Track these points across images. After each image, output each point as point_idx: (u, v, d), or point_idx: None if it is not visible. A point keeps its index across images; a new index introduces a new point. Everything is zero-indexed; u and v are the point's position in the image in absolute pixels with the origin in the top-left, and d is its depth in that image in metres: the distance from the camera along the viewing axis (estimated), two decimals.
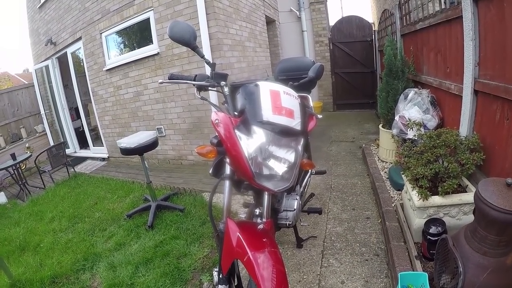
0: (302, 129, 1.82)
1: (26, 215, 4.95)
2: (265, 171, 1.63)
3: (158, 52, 5.69)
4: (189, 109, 5.65)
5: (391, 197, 3.58)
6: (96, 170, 7.08)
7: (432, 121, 3.57)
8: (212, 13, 5.04)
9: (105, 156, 7.68)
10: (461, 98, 2.94)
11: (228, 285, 1.63)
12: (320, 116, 2.57)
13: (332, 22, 9.94)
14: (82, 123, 8.39)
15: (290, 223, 2.20)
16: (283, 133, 1.71)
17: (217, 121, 1.54)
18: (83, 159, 8.27)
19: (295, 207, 2.24)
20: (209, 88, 1.94)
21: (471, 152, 2.60)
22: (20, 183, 6.32)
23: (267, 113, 1.67)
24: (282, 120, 1.70)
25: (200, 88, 1.95)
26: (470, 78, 2.73)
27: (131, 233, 3.72)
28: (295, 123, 1.76)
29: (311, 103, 2.76)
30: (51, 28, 7.91)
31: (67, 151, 7.81)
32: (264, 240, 1.54)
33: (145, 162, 4.04)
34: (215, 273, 1.74)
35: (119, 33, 6.46)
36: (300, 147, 1.77)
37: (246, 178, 1.60)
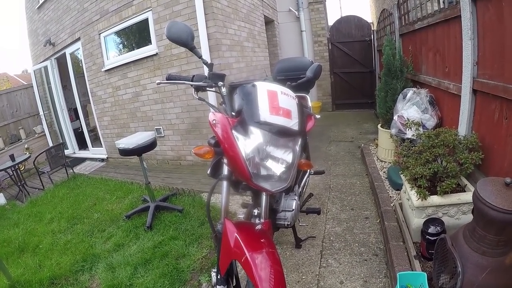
0: (300, 129, 1.82)
1: (25, 216, 4.93)
2: (263, 172, 1.63)
3: (157, 53, 5.68)
4: (187, 109, 5.64)
5: (390, 197, 3.57)
6: (95, 171, 7.07)
7: (430, 121, 3.57)
8: (211, 13, 5.04)
9: (104, 157, 7.67)
10: (460, 97, 2.94)
11: (226, 286, 1.64)
12: (318, 116, 2.58)
13: (331, 22, 9.95)
14: (81, 124, 8.39)
15: (289, 223, 2.20)
16: (280, 134, 1.71)
17: (214, 121, 1.54)
18: (82, 160, 8.26)
19: (294, 208, 2.24)
20: (207, 88, 1.93)
21: (470, 152, 2.60)
22: (19, 184, 6.30)
23: (265, 113, 1.66)
24: (279, 121, 1.69)
25: (198, 89, 1.95)
26: (469, 78, 2.73)
27: (130, 234, 3.71)
28: (293, 123, 1.75)
29: (310, 103, 2.76)
30: (50, 29, 7.91)
31: (66, 152, 7.80)
32: (262, 240, 1.54)
33: (144, 163, 4.04)
34: (213, 274, 1.74)
35: (117, 33, 6.45)
36: (297, 148, 1.77)
37: (243, 179, 1.60)
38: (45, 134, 9.24)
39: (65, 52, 7.75)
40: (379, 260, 2.71)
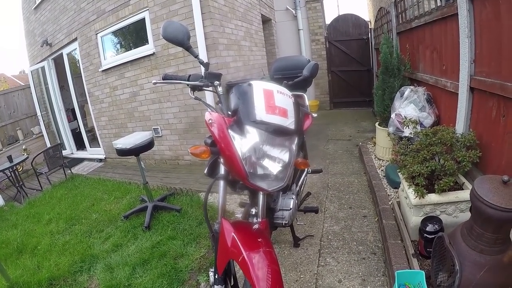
0: (296, 128, 1.81)
1: (24, 218, 4.92)
2: (259, 171, 1.63)
3: (154, 52, 5.66)
4: (185, 109, 5.63)
5: (388, 195, 3.57)
6: (93, 171, 7.06)
7: (428, 119, 3.57)
8: (208, 13, 5.02)
9: (102, 157, 7.66)
10: (457, 95, 2.94)
11: (224, 286, 1.63)
12: (315, 115, 2.57)
13: (328, 21, 9.94)
14: (78, 124, 8.37)
15: (287, 222, 2.20)
16: (276, 133, 1.70)
17: (210, 121, 1.54)
18: (80, 160, 8.24)
19: (291, 206, 2.24)
20: (203, 88, 1.93)
21: (467, 150, 2.61)
22: (17, 185, 6.29)
23: (261, 112, 1.66)
24: (275, 120, 1.69)
25: (194, 88, 1.94)
26: (466, 76, 2.73)
27: (128, 234, 3.70)
28: (289, 122, 1.75)
29: (307, 102, 2.76)
30: (47, 29, 7.88)
31: (64, 152, 7.78)
32: (259, 240, 1.54)
33: (142, 163, 4.03)
34: (211, 274, 1.73)
35: (114, 33, 6.44)
36: (294, 146, 1.76)
37: (240, 178, 1.59)
38: (42, 135, 9.21)
39: (62, 52, 7.73)
40: (377, 258, 2.71)
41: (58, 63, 8.18)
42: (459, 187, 2.64)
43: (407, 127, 3.46)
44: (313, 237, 3.14)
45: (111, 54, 6.68)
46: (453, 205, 2.53)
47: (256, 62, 7.22)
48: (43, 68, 8.30)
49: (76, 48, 7.27)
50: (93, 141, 8.17)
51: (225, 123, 1.56)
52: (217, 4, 5.32)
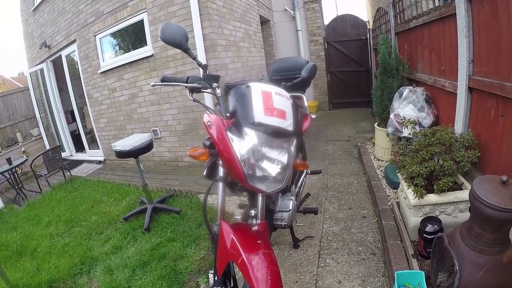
0: (295, 129, 1.81)
1: (23, 220, 4.92)
2: (258, 173, 1.62)
3: (153, 54, 5.67)
4: (184, 110, 5.63)
5: (387, 195, 3.57)
6: (92, 173, 7.05)
7: (427, 119, 3.58)
8: (206, 14, 5.03)
9: (101, 159, 7.66)
10: (456, 95, 2.94)
11: (223, 287, 1.63)
12: (314, 116, 2.57)
13: (326, 21, 9.95)
14: (77, 126, 8.38)
15: (286, 223, 2.20)
16: (275, 134, 1.70)
17: (209, 123, 1.54)
18: (79, 162, 8.24)
19: (290, 208, 2.24)
20: (202, 90, 1.93)
21: (466, 150, 2.61)
22: (17, 187, 6.27)
23: (259, 114, 1.66)
24: (274, 121, 1.69)
25: (193, 90, 1.95)
26: (465, 76, 2.74)
27: (127, 236, 3.70)
28: (287, 124, 1.75)
29: (306, 103, 2.76)
30: (45, 31, 7.89)
31: (63, 154, 7.79)
32: (258, 241, 1.54)
33: (141, 165, 4.03)
34: (210, 275, 1.74)
35: (113, 35, 6.44)
36: (292, 148, 1.76)
37: (238, 180, 1.59)
38: (42, 137, 9.21)
39: (61, 54, 7.74)
40: (377, 259, 2.71)
41: (57, 65, 8.19)
42: (458, 187, 2.65)
43: (406, 128, 3.46)
44: (312, 238, 3.14)
45: (109, 56, 6.68)
46: (452, 205, 2.54)
47: (254, 63, 7.22)
48: (42, 70, 8.30)
49: (74, 50, 7.27)
50: (92, 143, 8.17)
51: (224, 125, 1.56)
52: (216, 5, 5.33)
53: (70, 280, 3.12)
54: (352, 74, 9.51)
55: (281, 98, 1.80)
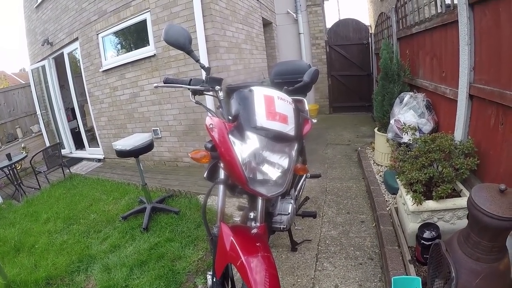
0: (296, 134, 1.82)
1: (21, 216, 4.92)
2: (259, 176, 1.63)
3: (155, 54, 5.68)
4: (185, 111, 5.64)
5: (386, 201, 3.59)
6: (91, 171, 7.06)
7: (427, 125, 3.59)
8: (209, 15, 5.04)
9: (101, 157, 7.67)
10: (456, 102, 2.95)
11: None
12: (315, 121, 2.58)
13: (329, 25, 9.98)
14: (78, 124, 8.39)
15: (284, 227, 2.21)
16: (276, 139, 1.71)
17: (211, 125, 1.55)
18: (79, 160, 8.24)
19: (289, 211, 2.25)
20: (204, 92, 1.94)
21: (466, 157, 2.62)
22: (16, 183, 6.28)
23: (261, 118, 1.67)
24: (275, 126, 1.69)
25: (195, 92, 1.96)
26: (465, 83, 2.75)
27: (126, 235, 3.70)
28: (289, 128, 1.76)
29: (307, 107, 2.77)
30: (48, 28, 7.90)
31: (63, 151, 7.79)
32: (257, 244, 1.55)
33: (141, 164, 4.03)
34: (209, 277, 1.74)
35: (115, 34, 6.46)
36: (293, 153, 1.77)
37: (239, 183, 1.60)
38: (42, 134, 9.24)
39: (63, 51, 7.75)
40: (374, 264, 2.72)
41: (59, 62, 8.20)
42: (456, 194, 2.66)
43: (406, 133, 3.47)
44: (310, 241, 3.15)
45: (111, 55, 6.70)
46: (451, 212, 2.55)
47: (256, 65, 7.23)
48: (43, 67, 8.32)
49: (77, 48, 7.29)
50: (92, 141, 8.18)
51: (226, 128, 1.57)
52: (219, 7, 5.34)
53: (68, 278, 3.11)
54: (354, 78, 9.53)
55: (283, 103, 1.80)
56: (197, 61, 1.93)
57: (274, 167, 1.67)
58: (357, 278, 2.57)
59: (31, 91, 9.07)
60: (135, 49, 6.19)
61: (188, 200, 4.40)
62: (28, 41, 9.01)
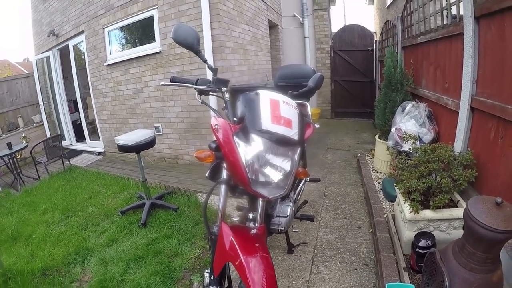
0: (299, 139, 1.85)
1: (19, 205, 4.94)
2: (261, 178, 1.66)
3: (160, 51, 5.70)
4: (188, 109, 5.67)
5: (383, 208, 3.61)
6: (91, 164, 7.07)
7: (428, 135, 3.61)
8: (216, 15, 5.06)
9: (101, 150, 7.68)
10: (458, 114, 2.98)
11: (219, 287, 1.66)
12: (317, 126, 2.61)
13: (334, 30, 10.01)
14: (79, 116, 8.40)
15: (282, 229, 2.24)
16: (280, 142, 1.74)
17: (216, 126, 1.57)
18: (79, 152, 8.25)
19: (288, 214, 2.27)
20: (210, 93, 1.96)
21: (464, 168, 2.65)
22: (15, 172, 6.29)
23: (266, 122, 1.70)
24: (280, 130, 1.72)
25: (201, 92, 1.98)
26: (468, 95, 2.77)
27: (123, 230, 3.72)
28: (293, 133, 1.79)
29: (309, 111, 2.79)
30: (54, 20, 7.92)
31: (63, 143, 7.78)
32: (256, 245, 1.57)
33: (142, 160, 4.05)
34: (206, 274, 1.77)
35: (122, 29, 6.48)
36: (296, 157, 1.80)
37: (242, 184, 1.63)
38: (43, 124, 9.23)
39: (68, 43, 7.77)
40: (369, 270, 2.75)
41: (64, 54, 8.21)
42: (454, 204, 2.68)
43: (407, 142, 3.50)
44: (307, 244, 3.17)
45: (117, 49, 6.72)
46: (447, 222, 2.57)
47: (260, 67, 7.25)
48: (48, 58, 8.33)
49: (82, 41, 7.30)
50: (93, 134, 8.19)
51: (231, 129, 1.59)
52: (226, 7, 5.36)
53: (64, 269, 3.13)
54: (356, 84, 9.56)
55: (288, 107, 1.83)
56: (205, 61, 1.95)
57: (277, 169, 1.70)
58: (351, 283, 2.60)
59: (35, 81, 9.08)
60: (140, 45, 6.21)
61: (187, 198, 4.42)
62: (34, 31, 9.02)
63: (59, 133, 8.19)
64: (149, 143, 3.87)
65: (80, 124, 8.42)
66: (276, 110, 1.75)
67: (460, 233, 1.97)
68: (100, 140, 7.72)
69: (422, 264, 2.19)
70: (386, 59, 4.83)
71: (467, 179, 2.57)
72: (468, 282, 1.70)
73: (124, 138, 3.79)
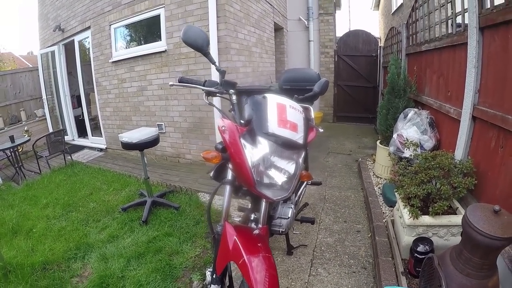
0: (304, 142, 1.89)
1: (20, 199, 4.95)
2: (266, 180, 1.69)
3: (166, 50, 5.73)
4: (191, 108, 5.69)
5: (383, 212, 3.64)
6: (93, 160, 7.10)
7: (429, 142, 3.64)
8: (223, 16, 5.09)
9: (103, 147, 7.71)
10: (459, 122, 3.01)
11: (220, 285, 1.69)
12: (321, 130, 2.63)
13: (338, 34, 10.03)
14: (82, 112, 8.43)
15: (283, 230, 2.26)
16: (286, 146, 1.77)
17: (223, 127, 1.59)
18: (81, 147, 8.28)
19: (289, 215, 2.29)
20: (218, 94, 1.99)
21: (464, 176, 2.68)
22: (16, 166, 6.30)
23: (273, 125, 1.73)
24: (286, 133, 1.76)
25: (209, 94, 2.01)
26: (470, 104, 2.80)
27: (124, 227, 3.74)
28: (298, 136, 1.82)
29: (313, 115, 2.82)
30: (61, 15, 7.94)
31: (65, 138, 7.80)
32: (259, 245, 1.61)
33: (145, 158, 4.07)
34: (208, 273, 1.80)
35: (128, 26, 6.51)
36: (301, 160, 1.83)
37: (247, 185, 1.65)
38: (45, 118, 9.26)
39: (73, 39, 7.79)
40: (367, 273, 2.78)
41: (69, 49, 8.24)
42: (452, 211, 2.71)
43: (408, 149, 3.53)
44: (306, 246, 3.20)
45: (122, 47, 6.74)
46: (445, 229, 2.60)
47: (265, 69, 7.28)
48: (53, 52, 8.37)
49: (88, 37, 7.32)
50: (95, 130, 8.22)
51: (238, 131, 1.61)
52: (233, 9, 5.40)
53: (64, 264, 3.14)
54: (359, 89, 9.59)
55: (295, 112, 1.87)
56: (213, 63, 1.98)
57: (281, 172, 1.73)
58: (349, 286, 2.63)
59: (38, 75, 9.12)
60: (146, 43, 6.23)
61: (189, 197, 4.43)
62: (40, 25, 9.05)
63: (61, 128, 8.22)
64: (153, 142, 3.89)
65: (83, 120, 8.44)
66: (283, 114, 1.78)
67: (457, 239, 2.00)
68: (102, 137, 7.74)
69: (420, 269, 2.22)
70: (390, 65, 4.86)
71: (466, 187, 2.60)
72: (465, 287, 1.73)
73: (128, 135, 3.81)
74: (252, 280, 1.40)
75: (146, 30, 6.32)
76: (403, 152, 3.70)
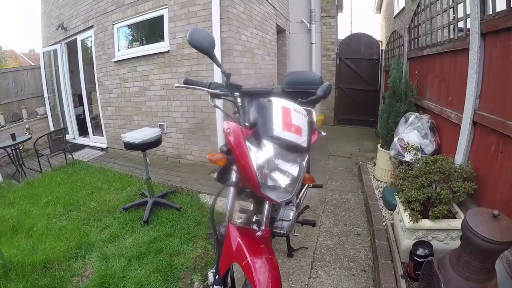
0: (308, 146, 1.91)
1: (21, 197, 4.94)
2: (270, 182, 1.71)
3: (168, 50, 5.74)
4: (193, 109, 5.71)
5: (383, 216, 3.66)
6: (94, 159, 7.10)
7: (429, 146, 3.66)
8: (226, 18, 5.11)
9: (104, 146, 7.71)
10: (460, 127, 3.03)
11: (223, 287, 1.71)
12: (324, 134, 2.65)
13: (340, 37, 10.05)
14: (84, 111, 8.44)
15: (285, 232, 2.28)
16: (290, 149, 1.79)
17: (228, 130, 1.61)
18: (82, 146, 8.28)
19: (291, 218, 2.31)
20: (223, 97, 2.01)
21: (464, 181, 2.70)
22: (17, 164, 6.30)
23: (278, 128, 1.75)
24: (290, 137, 1.78)
25: (214, 96, 2.03)
26: (470, 109, 2.82)
27: (126, 226, 3.75)
28: (302, 140, 1.84)
29: (315, 118, 2.84)
30: (64, 13, 7.94)
31: (66, 136, 7.81)
32: (262, 246, 1.62)
33: (147, 158, 4.09)
34: (210, 274, 1.81)
35: (131, 26, 6.52)
36: (304, 163, 1.85)
37: (251, 187, 1.67)
38: (47, 117, 9.26)
39: (76, 38, 7.80)
40: (366, 276, 2.79)
41: (71, 48, 8.24)
42: (452, 215, 2.73)
43: (409, 153, 3.55)
44: (307, 249, 3.22)
45: (125, 46, 6.75)
46: (445, 232, 2.62)
47: (267, 71, 7.30)
48: (55, 51, 8.37)
49: (91, 36, 7.33)
50: (97, 129, 8.22)
51: (243, 134, 1.63)
52: (236, 10, 5.41)
53: (65, 263, 3.13)
54: (361, 93, 9.60)
55: (299, 115, 1.89)
56: (219, 66, 2.00)
57: (285, 175, 1.76)
58: None
59: (40, 73, 9.11)
60: (148, 44, 6.24)
61: (190, 197, 4.45)
62: (42, 23, 9.05)
63: (62, 126, 8.24)
64: (155, 142, 3.90)
65: (84, 119, 8.45)
66: (288, 117, 1.81)
67: (457, 243, 2.02)
68: (103, 136, 7.75)
69: (419, 272, 2.24)
70: (391, 69, 4.88)
71: (466, 191, 2.63)
72: None
73: (130, 135, 3.81)
74: (256, 281, 1.41)
75: (149, 30, 6.33)
76: (404, 156, 3.72)
